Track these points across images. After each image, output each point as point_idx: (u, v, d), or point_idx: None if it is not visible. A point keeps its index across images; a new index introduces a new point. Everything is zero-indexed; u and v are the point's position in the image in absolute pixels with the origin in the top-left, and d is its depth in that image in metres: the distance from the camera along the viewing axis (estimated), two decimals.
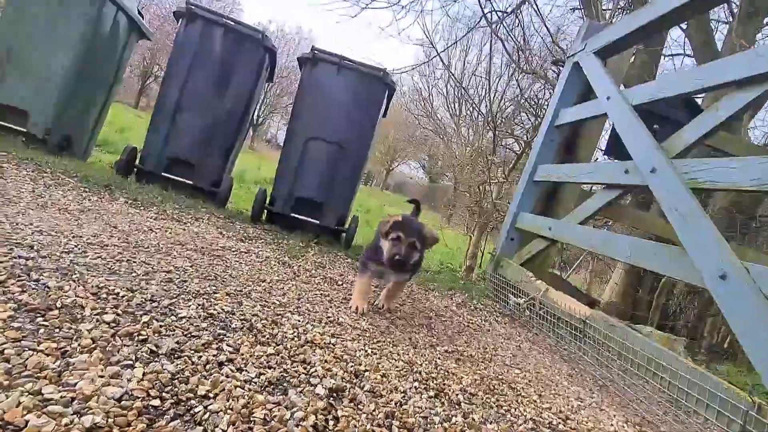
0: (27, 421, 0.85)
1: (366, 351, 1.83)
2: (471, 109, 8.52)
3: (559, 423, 1.77)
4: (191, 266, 2.22)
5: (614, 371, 2.53)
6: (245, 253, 2.92)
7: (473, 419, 1.55)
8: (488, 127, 5.37)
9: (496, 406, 1.74)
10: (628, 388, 2.44)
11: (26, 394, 0.93)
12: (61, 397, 0.95)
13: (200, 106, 4.36)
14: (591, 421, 1.89)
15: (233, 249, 2.91)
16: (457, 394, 1.71)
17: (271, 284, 2.37)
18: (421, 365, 1.89)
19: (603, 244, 2.91)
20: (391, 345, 2.03)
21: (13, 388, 0.93)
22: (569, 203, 3.92)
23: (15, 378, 0.97)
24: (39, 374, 1.00)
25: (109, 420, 0.93)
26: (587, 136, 4.17)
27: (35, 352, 1.07)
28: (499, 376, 2.10)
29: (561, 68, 4.14)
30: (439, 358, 2.09)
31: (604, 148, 4.12)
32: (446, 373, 1.91)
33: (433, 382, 1.75)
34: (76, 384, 1.00)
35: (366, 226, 11.18)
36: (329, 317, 2.12)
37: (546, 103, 4.99)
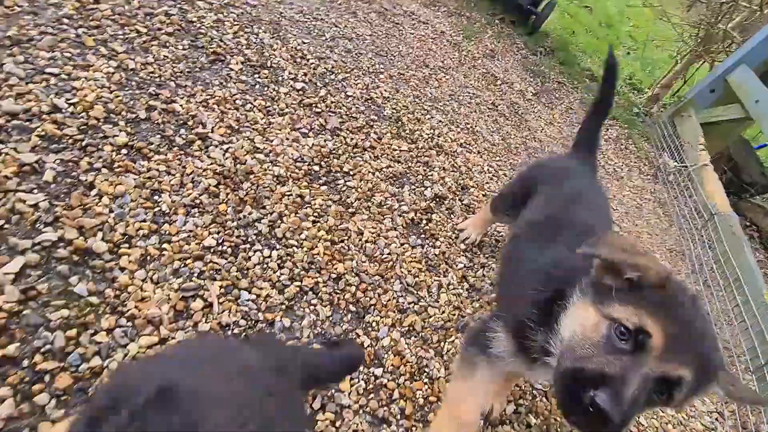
0: (246, 160, 1.41)
1: (482, 168, 2.13)
2: None
3: None
4: (370, 34, 2.48)
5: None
6: (423, 23, 3.01)
7: None
8: None
9: None
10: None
11: (246, 139, 1.47)
12: (264, 148, 1.49)
13: None
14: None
15: (413, 15, 3.01)
16: None
17: (432, 71, 2.58)
18: None
19: None
20: (509, 167, 2.27)
21: (239, 132, 1.48)
22: None
23: (241, 124, 1.51)
24: (253, 126, 1.53)
25: (287, 173, 1.47)
26: None
27: (252, 107, 1.59)
28: None
29: None
30: None
31: None
32: None
33: None
34: (272, 141, 1.53)
35: (579, 41, 8.74)
36: (468, 123, 2.36)
37: None
